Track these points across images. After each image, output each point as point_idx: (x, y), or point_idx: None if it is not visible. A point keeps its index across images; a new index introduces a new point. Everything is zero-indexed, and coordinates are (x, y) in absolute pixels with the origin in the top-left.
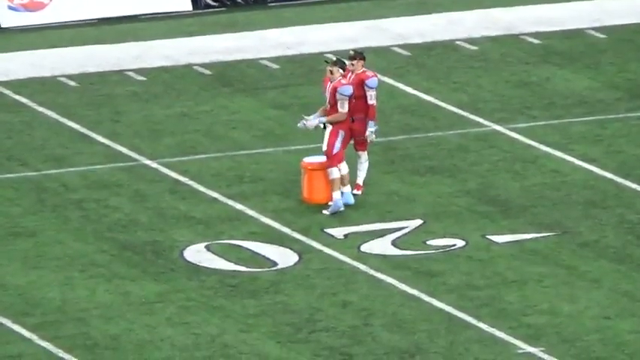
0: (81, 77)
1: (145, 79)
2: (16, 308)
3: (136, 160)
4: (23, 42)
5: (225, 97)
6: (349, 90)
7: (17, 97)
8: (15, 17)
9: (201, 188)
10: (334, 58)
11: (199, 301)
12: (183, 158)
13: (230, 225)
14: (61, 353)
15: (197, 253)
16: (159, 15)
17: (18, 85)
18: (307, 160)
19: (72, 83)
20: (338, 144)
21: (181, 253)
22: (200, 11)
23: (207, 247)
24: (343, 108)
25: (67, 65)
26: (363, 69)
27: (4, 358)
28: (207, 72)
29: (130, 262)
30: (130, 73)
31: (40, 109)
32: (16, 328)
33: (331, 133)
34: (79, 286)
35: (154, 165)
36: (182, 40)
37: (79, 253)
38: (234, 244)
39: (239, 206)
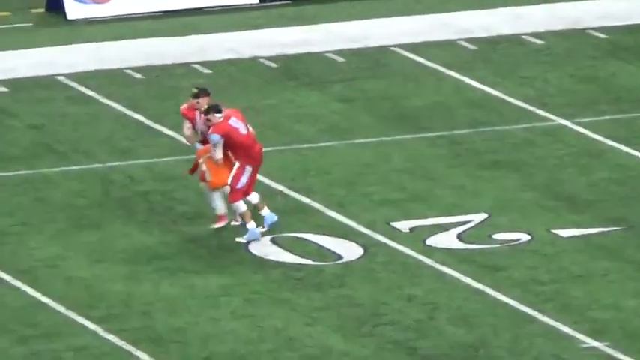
0: (146, 70)
1: (210, 71)
2: (81, 301)
3: None
4: (89, 34)
5: (291, 91)
6: (216, 137)
7: (83, 89)
8: (81, 9)
9: (267, 181)
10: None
11: (264, 294)
12: None
13: (295, 218)
14: (125, 346)
15: (262, 246)
16: (225, 8)
17: (84, 78)
18: (200, 147)
19: (138, 76)
20: (244, 179)
21: (246, 246)
22: (266, 4)
23: (273, 240)
24: (217, 155)
25: (133, 58)
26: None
27: (69, 350)
28: (273, 65)
29: (195, 255)
30: (196, 66)
31: (106, 101)
32: (82, 320)
33: (238, 167)
34: (144, 279)
35: None
36: (248, 33)
37: (145, 245)
38: (300, 237)
39: (304, 199)
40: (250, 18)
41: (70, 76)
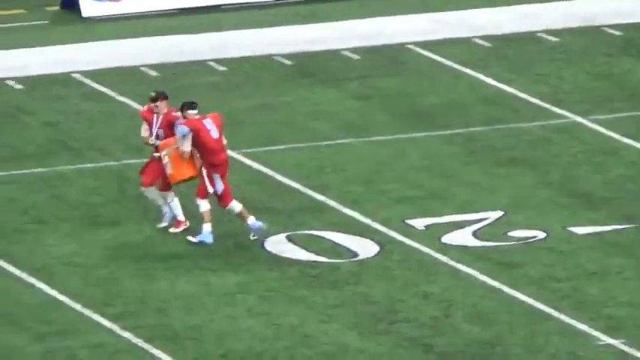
0: (162, 67)
1: (225, 69)
2: (97, 298)
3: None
4: (104, 32)
5: (306, 88)
6: (184, 129)
7: (98, 86)
8: (96, 7)
9: (282, 179)
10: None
11: (280, 291)
12: (264, 149)
13: (311, 215)
14: (141, 343)
15: (278, 244)
16: (240, 5)
17: (99, 75)
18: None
19: (153, 73)
20: (219, 184)
21: (262, 244)
22: (281, 2)
23: (288, 238)
24: (185, 147)
25: (148, 55)
26: (168, 108)
27: (85, 348)
28: (288, 62)
29: (211, 253)
30: (211, 64)
31: (121, 98)
32: (97, 318)
33: (207, 177)
34: (160, 276)
35: (235, 155)
36: (263, 31)
37: (160, 243)
38: (315, 235)
39: (320, 197)
40: (266, 15)
41: (85, 73)
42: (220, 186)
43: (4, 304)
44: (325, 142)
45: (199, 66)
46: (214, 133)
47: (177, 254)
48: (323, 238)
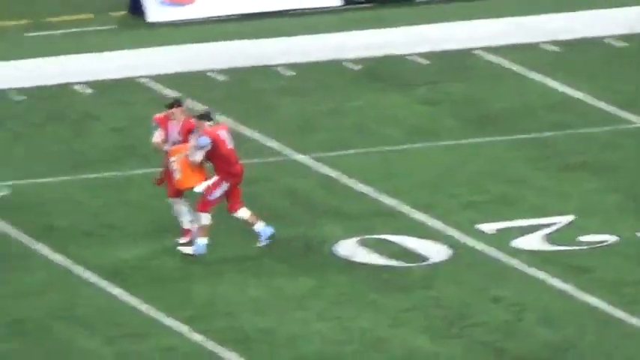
0: (230, 72)
1: (294, 74)
2: (168, 301)
3: (285, 155)
4: (171, 37)
5: (375, 93)
6: (207, 141)
7: (166, 91)
8: (163, 12)
9: (352, 183)
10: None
11: (351, 295)
12: (333, 153)
13: (381, 220)
14: (212, 346)
15: (348, 248)
16: (308, 10)
17: (166, 80)
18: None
19: (221, 78)
20: (217, 193)
21: (332, 248)
22: (349, 7)
23: (359, 242)
24: (197, 157)
25: (216, 60)
26: (184, 116)
27: (157, 351)
28: (357, 67)
29: (281, 257)
30: (280, 69)
31: (189, 103)
32: (169, 321)
33: (216, 180)
34: (230, 280)
35: (305, 160)
36: (331, 36)
37: (230, 247)
38: (386, 239)
39: (389, 201)
40: (334, 20)
41: (153, 78)
42: (215, 195)
43: (75, 307)
44: (394, 147)
45: (268, 71)
46: (229, 144)
47: (248, 257)
48: (393, 242)
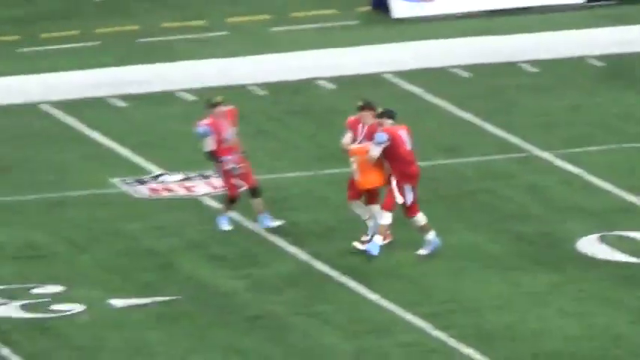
0: (473, 68)
1: (537, 70)
2: (409, 297)
3: (528, 151)
4: (415, 32)
5: (618, 90)
6: (385, 137)
7: (409, 87)
8: (408, 8)
9: (594, 180)
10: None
11: (592, 292)
12: (575, 150)
13: (623, 217)
14: (453, 342)
15: (590, 245)
16: (551, 7)
17: (410, 76)
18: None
19: (464, 74)
20: (409, 196)
21: (574, 245)
22: (592, 4)
23: (601, 239)
24: (375, 152)
25: (459, 56)
26: (375, 120)
27: (398, 347)
28: (600, 64)
29: (523, 253)
30: (523, 65)
31: (433, 99)
32: (409, 317)
33: (397, 187)
34: (472, 276)
35: (547, 156)
36: (574, 33)
37: (472, 243)
38: (627, 236)
39: (631, 198)
40: (576, 17)
41: (396, 74)
42: (410, 197)
43: (315, 303)
44: (636, 144)
45: (511, 67)
46: (408, 145)
47: (489, 254)
48: (635, 239)
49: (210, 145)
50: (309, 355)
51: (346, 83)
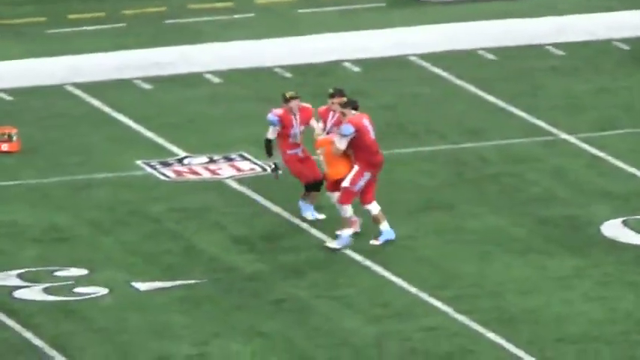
0: (499, 51)
1: (563, 53)
2: (432, 281)
3: (554, 134)
4: (441, 15)
5: None
6: (351, 129)
7: (435, 69)
8: None
9: (620, 164)
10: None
11: (616, 276)
12: (601, 133)
13: None
14: (475, 326)
15: (614, 229)
16: None
17: (436, 58)
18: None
19: (490, 57)
20: (361, 183)
21: (599, 229)
22: None
23: (624, 223)
24: (341, 145)
25: (485, 39)
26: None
27: (420, 331)
28: (626, 47)
29: (548, 237)
30: (549, 48)
31: (458, 82)
32: (432, 300)
33: (357, 171)
34: (496, 260)
35: (572, 139)
36: (601, 16)
37: (496, 226)
38: None
39: None
40: (603, 0)
41: (422, 56)
42: (359, 186)
43: (338, 286)
44: None
45: (537, 50)
46: (372, 134)
47: (513, 237)
48: None
49: (270, 133)
50: (332, 338)
51: (372, 66)
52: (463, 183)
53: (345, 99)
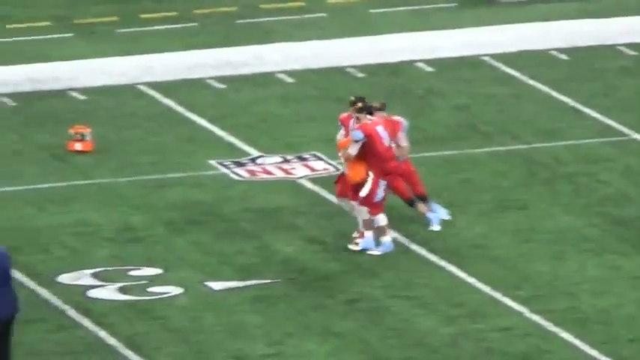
0: (572, 51)
1: (636, 53)
2: (506, 281)
3: (626, 134)
4: (513, 15)
5: None
6: (360, 135)
7: (508, 70)
8: None
9: None
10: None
11: None
12: None
13: None
14: (550, 326)
15: None
16: None
17: (509, 59)
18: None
19: (563, 57)
20: (380, 193)
21: None
22: None
23: None
24: (352, 150)
25: (558, 39)
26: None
27: (495, 331)
28: None
29: (621, 237)
30: (622, 48)
31: (531, 82)
32: (507, 300)
33: (372, 182)
34: (570, 260)
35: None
36: None
37: (570, 227)
38: None
39: None
40: None
41: (495, 56)
42: (379, 196)
43: (413, 286)
44: None
45: (610, 50)
46: (386, 142)
47: (587, 237)
48: None
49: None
50: (407, 338)
51: (444, 66)
52: (536, 183)
53: (360, 104)
